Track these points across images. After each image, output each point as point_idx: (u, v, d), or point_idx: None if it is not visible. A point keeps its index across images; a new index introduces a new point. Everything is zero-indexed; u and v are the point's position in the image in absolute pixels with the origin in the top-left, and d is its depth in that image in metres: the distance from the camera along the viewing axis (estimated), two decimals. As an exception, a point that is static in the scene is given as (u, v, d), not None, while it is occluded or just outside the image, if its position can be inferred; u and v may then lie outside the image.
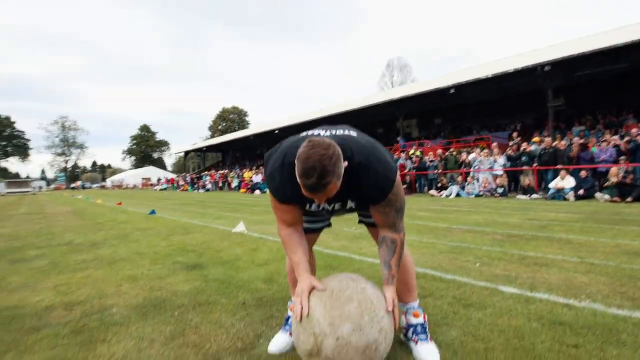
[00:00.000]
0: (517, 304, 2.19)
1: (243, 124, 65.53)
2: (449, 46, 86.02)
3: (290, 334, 1.76)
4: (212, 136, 61.68)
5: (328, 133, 1.47)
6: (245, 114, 67.19)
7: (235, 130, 58.95)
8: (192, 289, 2.75)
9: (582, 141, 10.61)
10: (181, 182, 32.74)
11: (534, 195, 9.65)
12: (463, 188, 11.43)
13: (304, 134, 1.54)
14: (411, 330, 1.71)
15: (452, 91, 15.56)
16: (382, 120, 24.22)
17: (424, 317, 1.75)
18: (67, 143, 66.77)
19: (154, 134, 77.01)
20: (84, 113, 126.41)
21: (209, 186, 27.39)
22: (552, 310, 2.06)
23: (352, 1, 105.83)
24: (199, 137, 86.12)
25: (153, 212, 9.34)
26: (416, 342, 1.65)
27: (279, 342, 1.75)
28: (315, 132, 1.52)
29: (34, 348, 1.87)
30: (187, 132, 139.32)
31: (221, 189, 26.61)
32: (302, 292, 1.44)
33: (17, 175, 72.32)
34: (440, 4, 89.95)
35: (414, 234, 4.76)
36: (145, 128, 75.96)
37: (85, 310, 2.39)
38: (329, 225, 1.92)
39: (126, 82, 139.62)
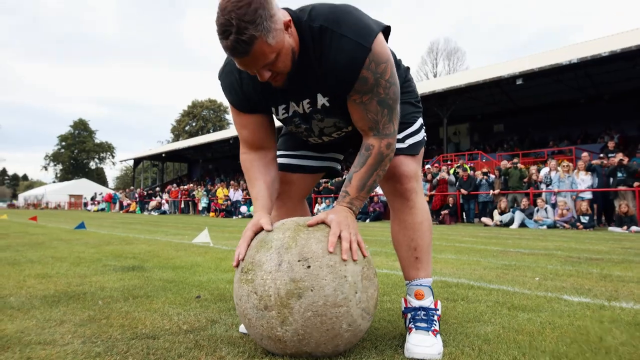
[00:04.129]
0: (587, 309, 2.24)
1: (221, 124, 66.51)
2: (520, 28, 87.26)
3: None
4: (177, 140, 62.61)
5: None
6: (224, 110, 68.00)
7: (209, 132, 59.84)
8: (127, 286, 2.84)
9: None
10: (126, 201, 33.02)
11: (635, 228, 9.62)
12: (530, 216, 11.43)
13: None
14: (409, 316, 1.71)
15: (519, 82, 15.85)
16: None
17: (435, 303, 1.76)
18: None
19: (92, 133, 78.34)
20: None
21: (165, 207, 27.60)
22: (637, 316, 2.10)
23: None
24: (158, 141, 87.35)
25: (82, 226, 9.48)
26: (410, 331, 1.63)
27: None
28: None
29: None
30: (141, 134, 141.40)
31: (184, 211, 26.80)
32: (244, 232, 1.59)
33: None
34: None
35: (451, 252, 4.83)
36: (80, 125, 77.36)
37: (-27, 297, 2.46)
38: (332, 171, 2.03)
39: (53, 58, 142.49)
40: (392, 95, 1.54)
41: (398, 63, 1.83)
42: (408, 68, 1.94)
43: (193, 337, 1.75)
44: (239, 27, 1.27)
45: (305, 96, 1.61)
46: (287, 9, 1.47)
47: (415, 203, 1.76)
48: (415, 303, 1.73)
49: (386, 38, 1.59)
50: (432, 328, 1.63)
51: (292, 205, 1.98)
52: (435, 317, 1.70)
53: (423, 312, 1.70)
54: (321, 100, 1.60)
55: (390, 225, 1.87)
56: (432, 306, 1.73)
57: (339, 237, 1.48)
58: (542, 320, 2.01)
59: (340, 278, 1.41)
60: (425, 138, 1.93)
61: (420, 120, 1.88)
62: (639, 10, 70.96)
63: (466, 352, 1.55)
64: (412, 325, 1.65)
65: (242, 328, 1.81)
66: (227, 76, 1.65)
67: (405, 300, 1.78)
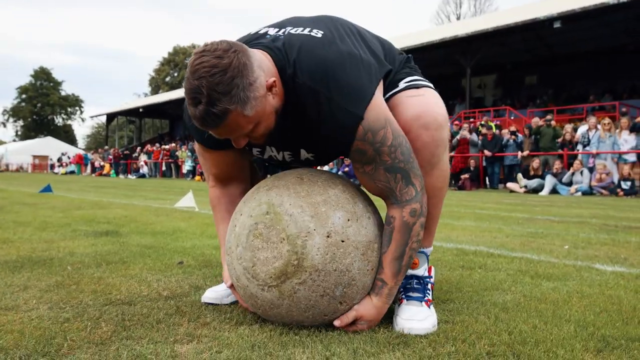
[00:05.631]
0: (620, 279, 2.29)
1: (207, 75, 65.96)
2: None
3: None
4: (155, 93, 62.30)
5: (278, 32, 1.51)
6: (212, 58, 67.63)
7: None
8: (100, 251, 2.89)
9: None
10: (99, 163, 33.12)
11: (683, 196, 9.67)
12: (564, 180, 11.46)
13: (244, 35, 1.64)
14: (400, 285, 1.68)
15: (557, 25, 15.61)
16: (437, 75, 24.29)
17: (429, 270, 1.75)
18: None
19: (57, 84, 77.77)
20: None
21: (144, 170, 27.70)
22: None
23: None
24: (134, 94, 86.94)
25: (48, 189, 9.54)
26: (401, 302, 1.64)
27: (219, 289, 1.86)
28: (264, 30, 1.59)
29: None
30: (114, 86, 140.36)
31: (165, 175, 26.92)
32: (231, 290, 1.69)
33: None
34: None
35: (470, 219, 4.88)
36: (43, 74, 76.70)
37: None
38: None
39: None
40: (401, 157, 1.47)
41: (394, 57, 1.76)
42: (409, 57, 1.85)
43: (174, 303, 1.79)
44: (210, 97, 1.23)
45: (287, 149, 1.63)
46: (266, 47, 1.44)
47: (440, 160, 1.63)
48: (408, 272, 1.69)
49: (385, 79, 1.57)
50: (426, 298, 1.64)
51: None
52: (429, 286, 1.71)
53: (415, 281, 1.70)
54: (305, 154, 1.62)
55: None
56: (426, 274, 1.73)
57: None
58: (568, 289, 2.06)
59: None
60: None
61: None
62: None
63: (480, 320, 1.59)
64: (403, 296, 1.66)
65: (207, 296, 1.83)
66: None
67: None
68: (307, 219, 1.44)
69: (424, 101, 1.61)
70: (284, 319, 1.50)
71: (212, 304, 1.79)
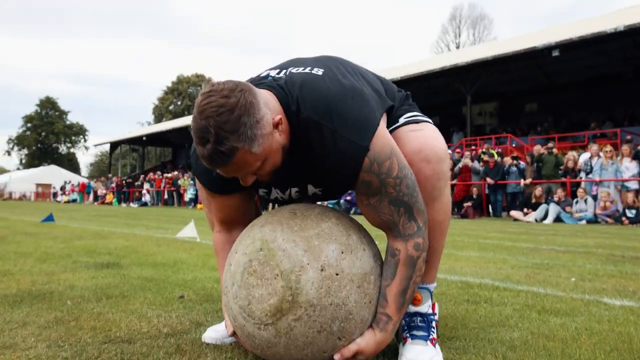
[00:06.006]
0: (630, 314, 2.24)
1: (210, 103, 66.60)
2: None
3: None
4: (159, 121, 62.74)
5: (279, 74, 1.54)
6: (214, 86, 68.50)
7: (195, 113, 59.89)
8: (101, 285, 2.86)
9: None
10: (102, 191, 33.16)
11: (687, 224, 9.60)
12: (568, 208, 11.41)
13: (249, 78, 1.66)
14: (403, 323, 1.67)
15: (556, 54, 15.77)
16: (437, 103, 24.51)
17: (432, 307, 1.72)
18: None
19: (63, 114, 78.47)
20: None
21: (147, 198, 27.71)
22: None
23: None
24: (138, 122, 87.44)
25: (50, 218, 9.53)
26: (406, 341, 1.61)
27: (220, 328, 1.81)
28: (265, 72, 1.61)
29: None
30: (118, 115, 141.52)
31: (167, 203, 26.91)
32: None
33: None
34: None
35: (473, 249, 4.84)
36: (47, 104, 77.44)
37: None
38: None
39: (16, 23, 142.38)
40: (405, 191, 1.47)
41: (394, 94, 1.79)
42: (408, 94, 1.88)
43: (174, 341, 1.76)
44: (217, 136, 1.24)
45: (295, 185, 1.63)
46: (270, 86, 1.45)
47: (442, 193, 1.64)
48: (411, 308, 1.67)
49: (389, 113, 1.62)
50: (431, 337, 1.61)
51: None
52: (434, 324, 1.67)
53: (419, 318, 1.66)
54: (312, 190, 1.63)
55: None
56: (430, 311, 1.70)
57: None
58: (577, 325, 2.01)
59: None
60: None
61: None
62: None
63: (488, 360, 1.55)
64: (408, 335, 1.62)
65: (207, 335, 1.79)
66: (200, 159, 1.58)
67: None
68: (301, 253, 1.42)
69: (424, 135, 1.62)
70: (283, 359, 1.46)
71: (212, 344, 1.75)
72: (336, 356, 1.44)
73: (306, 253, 1.42)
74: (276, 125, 1.36)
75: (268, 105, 1.35)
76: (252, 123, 1.27)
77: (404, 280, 1.49)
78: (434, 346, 1.57)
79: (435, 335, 1.62)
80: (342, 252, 1.45)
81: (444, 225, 1.70)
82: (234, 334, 1.60)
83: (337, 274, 1.41)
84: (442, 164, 1.60)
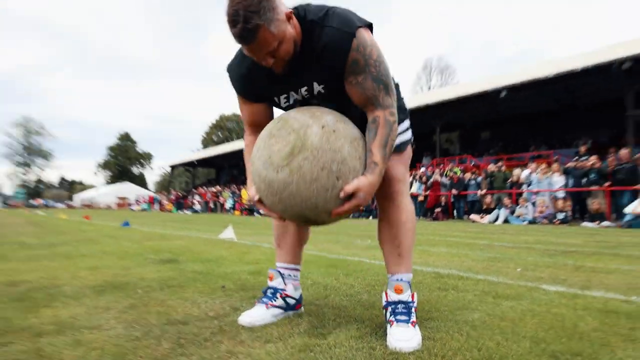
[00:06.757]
0: (562, 298, 2.20)
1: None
2: (505, 45, 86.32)
3: (267, 306, 1.80)
4: (206, 148, 62.92)
5: None
6: (246, 122, 68.60)
7: (234, 141, 60.06)
8: (164, 277, 2.84)
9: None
10: (164, 202, 33.26)
11: (605, 223, 9.46)
12: (513, 212, 11.29)
13: None
14: (389, 309, 1.63)
15: (503, 94, 15.65)
16: (414, 132, 24.30)
17: (412, 296, 1.66)
18: (31, 150, 68.69)
19: (135, 144, 79.09)
20: (51, 115, 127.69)
21: (197, 207, 27.74)
22: (606, 303, 2.05)
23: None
24: (190, 149, 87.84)
25: (127, 224, 9.56)
26: (391, 324, 1.56)
27: (252, 313, 1.77)
28: None
29: (-31, 308, 1.97)
30: (176, 144, 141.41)
31: (212, 210, 26.92)
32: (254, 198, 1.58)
33: (-33, 190, 74.33)
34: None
35: (443, 246, 4.78)
36: (125, 137, 78.16)
37: (32, 287, 2.49)
38: None
39: (104, 79, 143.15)
40: (383, 72, 1.51)
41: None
42: (397, 84, 1.87)
43: (217, 323, 1.74)
44: (245, 17, 1.30)
45: (304, 84, 1.61)
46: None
47: (401, 203, 1.70)
48: (395, 297, 1.64)
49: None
50: (411, 320, 1.57)
51: None
52: (413, 309, 1.62)
53: (402, 305, 1.62)
54: (317, 87, 1.60)
55: (377, 223, 1.80)
56: (410, 299, 1.65)
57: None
58: (523, 308, 1.97)
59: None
60: (412, 139, 1.90)
61: (407, 122, 1.85)
62: (612, 29, 70.14)
63: (455, 338, 1.52)
64: (393, 319, 1.58)
65: (242, 319, 1.73)
66: (236, 69, 1.65)
67: (386, 294, 1.68)
68: (307, 118, 1.49)
69: (399, 170, 1.73)
70: (296, 198, 1.44)
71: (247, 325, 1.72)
72: (342, 193, 1.44)
73: (311, 118, 1.49)
74: (288, 18, 1.42)
75: (282, 2, 1.42)
76: (270, 7, 1.33)
77: (384, 137, 1.50)
78: (414, 327, 1.54)
79: (414, 319, 1.59)
80: (337, 121, 1.52)
81: (407, 226, 1.71)
82: (259, 201, 1.57)
83: (334, 131, 1.47)
84: (399, 184, 1.71)
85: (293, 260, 1.94)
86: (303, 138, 1.44)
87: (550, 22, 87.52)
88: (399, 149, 1.75)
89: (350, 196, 1.45)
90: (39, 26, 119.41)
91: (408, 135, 1.84)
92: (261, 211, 1.66)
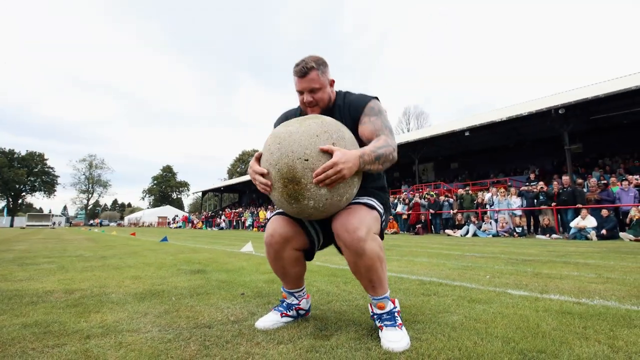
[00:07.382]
0: (526, 301, 2.10)
1: (261, 167, 66.81)
2: (467, 96, 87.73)
3: (282, 315, 1.71)
4: (231, 177, 63.07)
5: None
6: (264, 157, 68.84)
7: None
8: (193, 285, 2.75)
9: (604, 181, 10.34)
10: (196, 220, 33.07)
11: (554, 235, 9.29)
12: (480, 227, 11.12)
13: None
14: (376, 317, 1.54)
15: (467, 134, 15.73)
16: (398, 164, 24.40)
17: (394, 303, 1.55)
18: (92, 180, 69.09)
19: (174, 174, 79.51)
20: (111, 154, 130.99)
21: (223, 225, 27.54)
22: (562, 305, 1.96)
23: (371, 55, 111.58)
24: (218, 179, 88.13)
25: (165, 239, 9.45)
26: (382, 329, 1.48)
27: (267, 319, 1.70)
28: None
29: (29, 313, 1.89)
30: (207, 175, 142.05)
31: (235, 227, 26.70)
32: (253, 167, 1.51)
33: (40, 210, 74.41)
34: (462, 56, 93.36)
35: (424, 257, 4.67)
36: (167, 169, 78.70)
37: (84, 294, 2.41)
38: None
39: (153, 125, 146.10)
40: (388, 125, 1.60)
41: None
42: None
43: (237, 326, 1.66)
44: (307, 62, 1.59)
45: None
46: None
47: (364, 250, 1.42)
48: (378, 311, 1.53)
49: None
50: (397, 323, 1.47)
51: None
52: (397, 313, 1.52)
53: (386, 316, 1.51)
54: None
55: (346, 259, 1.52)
56: (392, 307, 1.52)
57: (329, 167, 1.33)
58: (493, 310, 1.89)
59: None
60: (386, 219, 1.67)
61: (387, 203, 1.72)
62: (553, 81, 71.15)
63: (439, 338, 1.44)
64: (382, 324, 1.48)
65: (258, 324, 1.65)
66: (279, 118, 1.85)
67: (371, 307, 1.56)
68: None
69: (356, 220, 1.46)
70: (293, 145, 1.36)
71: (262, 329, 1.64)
72: (325, 146, 1.36)
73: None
74: (331, 84, 1.67)
75: (331, 73, 1.69)
76: (324, 66, 1.63)
77: (381, 144, 1.48)
78: (401, 329, 1.46)
79: (400, 322, 1.50)
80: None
81: (375, 265, 1.46)
82: (256, 159, 1.52)
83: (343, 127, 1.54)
84: (359, 232, 1.42)
85: (298, 285, 1.77)
86: (319, 116, 1.52)
87: (501, 77, 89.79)
88: (369, 202, 1.56)
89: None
90: (108, 89, 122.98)
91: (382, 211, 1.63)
92: (257, 184, 1.50)
